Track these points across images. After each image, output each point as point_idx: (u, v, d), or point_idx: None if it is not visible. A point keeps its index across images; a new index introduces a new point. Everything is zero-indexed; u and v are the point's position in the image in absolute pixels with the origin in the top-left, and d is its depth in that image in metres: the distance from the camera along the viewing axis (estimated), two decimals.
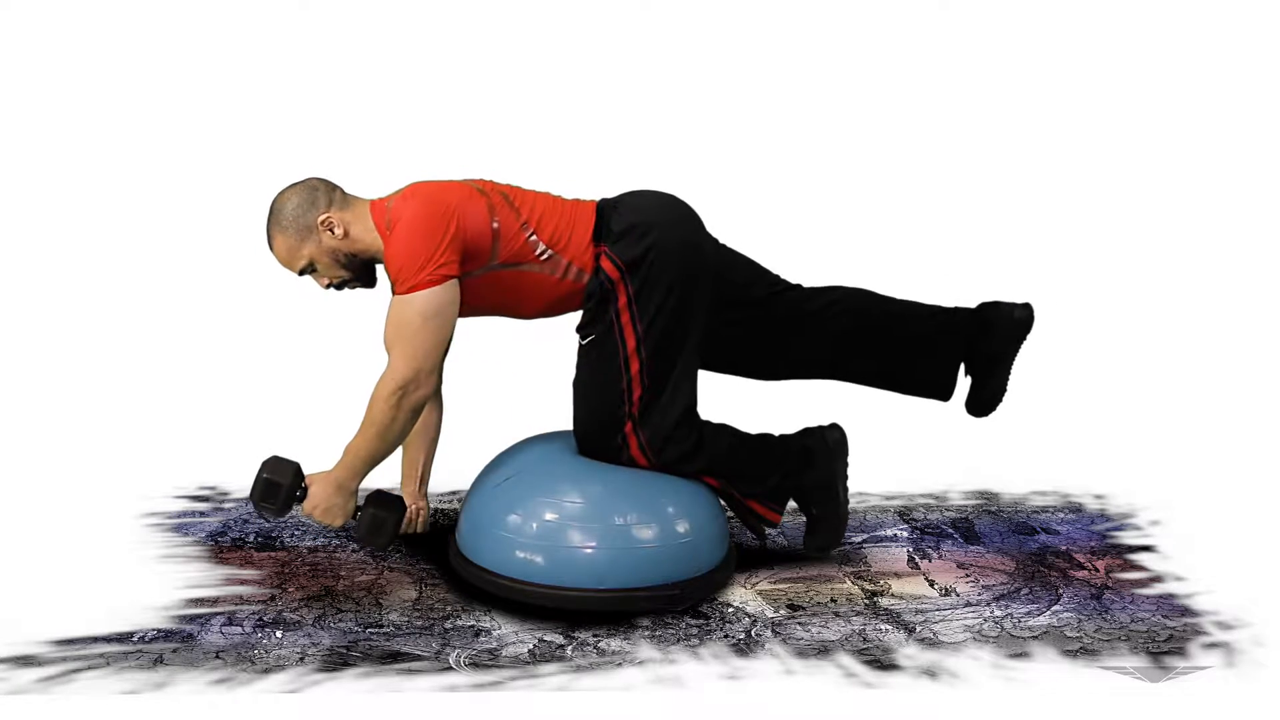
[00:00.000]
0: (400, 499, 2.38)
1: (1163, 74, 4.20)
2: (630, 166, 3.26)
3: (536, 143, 3.99)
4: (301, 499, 2.31)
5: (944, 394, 2.62)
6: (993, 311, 2.56)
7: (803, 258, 2.83)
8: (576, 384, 2.42)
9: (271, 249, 2.38)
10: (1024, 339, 2.56)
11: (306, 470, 2.33)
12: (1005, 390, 2.61)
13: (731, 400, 2.73)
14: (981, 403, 2.61)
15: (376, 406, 2.25)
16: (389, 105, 4.11)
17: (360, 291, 2.48)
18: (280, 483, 2.29)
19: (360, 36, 4.16)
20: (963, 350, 2.58)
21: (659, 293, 2.33)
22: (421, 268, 2.22)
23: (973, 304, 2.61)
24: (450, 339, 2.32)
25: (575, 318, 2.45)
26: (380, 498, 2.36)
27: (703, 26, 4.24)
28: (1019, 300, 2.56)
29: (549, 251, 2.35)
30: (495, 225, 2.32)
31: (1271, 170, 4.17)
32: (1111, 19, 4.22)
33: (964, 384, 2.63)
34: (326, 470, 2.32)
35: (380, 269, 2.42)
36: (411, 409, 2.26)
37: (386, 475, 2.49)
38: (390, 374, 2.24)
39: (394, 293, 2.27)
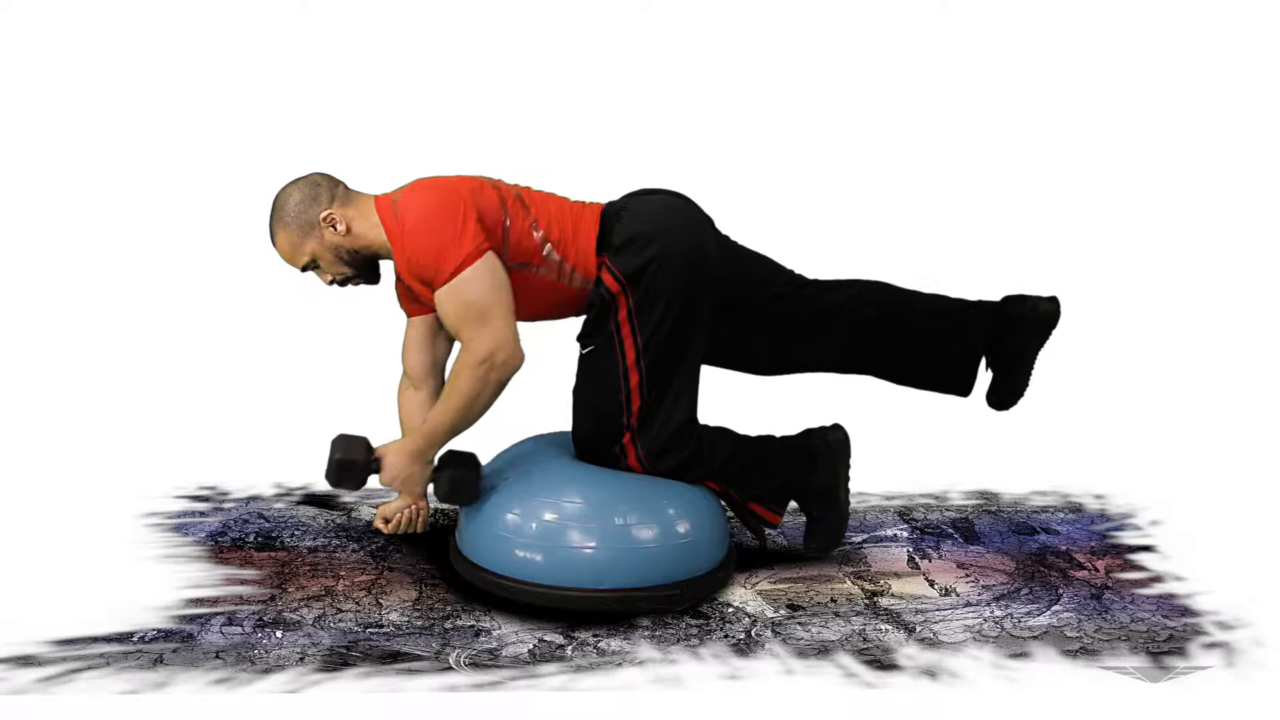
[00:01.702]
0: (475, 456, 2.36)
1: (1165, 74, 4.20)
2: (638, 165, 3.27)
3: (540, 142, 3.99)
4: (376, 470, 2.31)
5: (964, 389, 2.59)
6: (1018, 305, 2.53)
7: (817, 254, 2.82)
8: (576, 393, 2.41)
9: (274, 245, 2.37)
10: (1050, 333, 2.53)
11: (307, 477, 2.33)
12: (1028, 384, 2.59)
13: (733, 400, 2.74)
14: (1003, 396, 2.59)
15: (463, 380, 2.22)
16: (391, 103, 4.11)
17: (363, 288, 2.47)
18: (355, 460, 2.28)
19: (362, 35, 4.16)
20: (984, 345, 2.55)
21: (660, 306, 2.31)
22: (455, 249, 2.20)
23: (990, 298, 2.58)
24: (514, 305, 2.27)
25: (575, 319, 2.45)
26: (456, 457, 2.35)
27: (704, 26, 4.24)
28: (1045, 294, 2.53)
29: (554, 255, 2.34)
30: (507, 223, 2.31)
31: (1270, 170, 4.17)
32: (1113, 15, 4.22)
33: (982, 379, 2.61)
34: (399, 440, 2.32)
35: (384, 265, 2.42)
36: (499, 381, 2.24)
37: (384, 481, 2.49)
38: (468, 353, 2.21)
39: (436, 286, 2.23)
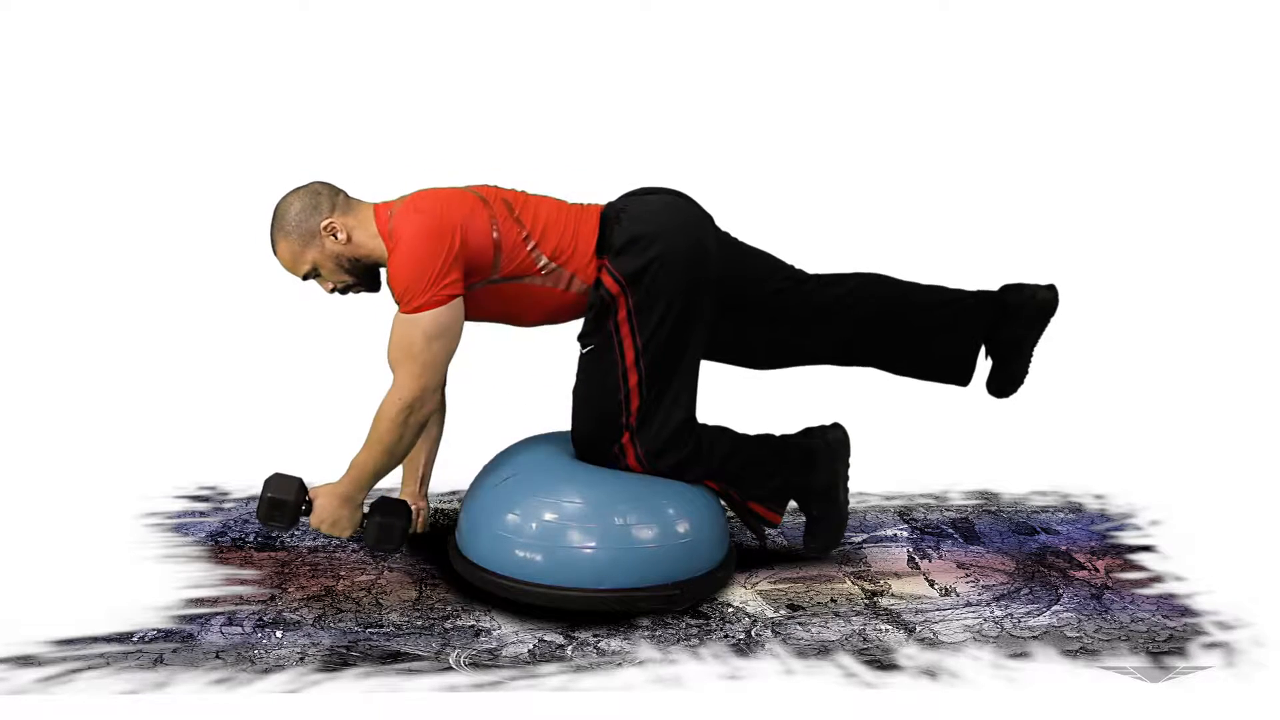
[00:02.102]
0: (405, 503, 2.39)
1: (1165, 73, 4.21)
2: (637, 163, 3.27)
3: (540, 142, 3.99)
4: (307, 513, 2.32)
5: (963, 379, 2.59)
6: (1016, 294, 2.53)
7: (817, 249, 2.82)
8: (576, 392, 2.41)
9: (275, 254, 2.38)
10: (1048, 321, 2.54)
11: (311, 482, 2.33)
12: (1027, 372, 2.59)
13: (732, 399, 2.74)
14: (1003, 384, 2.60)
15: (383, 425, 2.26)
16: (392, 107, 4.11)
17: (363, 295, 2.48)
18: (285, 500, 2.29)
19: (362, 38, 4.16)
20: (983, 334, 2.56)
21: (659, 306, 2.31)
22: (426, 288, 2.22)
23: (990, 288, 2.58)
24: (453, 355, 2.32)
25: (576, 320, 2.45)
26: (385, 505, 2.37)
27: (704, 25, 4.24)
28: (1042, 282, 2.54)
29: (551, 264, 2.34)
30: (496, 237, 2.31)
31: (1270, 170, 4.17)
32: (1112, 15, 4.22)
33: (983, 366, 2.61)
34: (331, 483, 2.32)
35: (384, 273, 2.42)
36: (417, 425, 2.28)
37: (387, 478, 2.49)
38: (396, 392, 2.25)
39: (399, 310, 2.27)
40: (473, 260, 2.29)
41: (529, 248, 2.33)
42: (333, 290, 2.41)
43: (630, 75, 4.16)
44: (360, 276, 2.39)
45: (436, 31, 4.18)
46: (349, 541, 2.65)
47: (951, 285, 2.58)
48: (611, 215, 2.39)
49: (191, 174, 4.07)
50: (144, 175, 4.08)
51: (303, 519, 2.33)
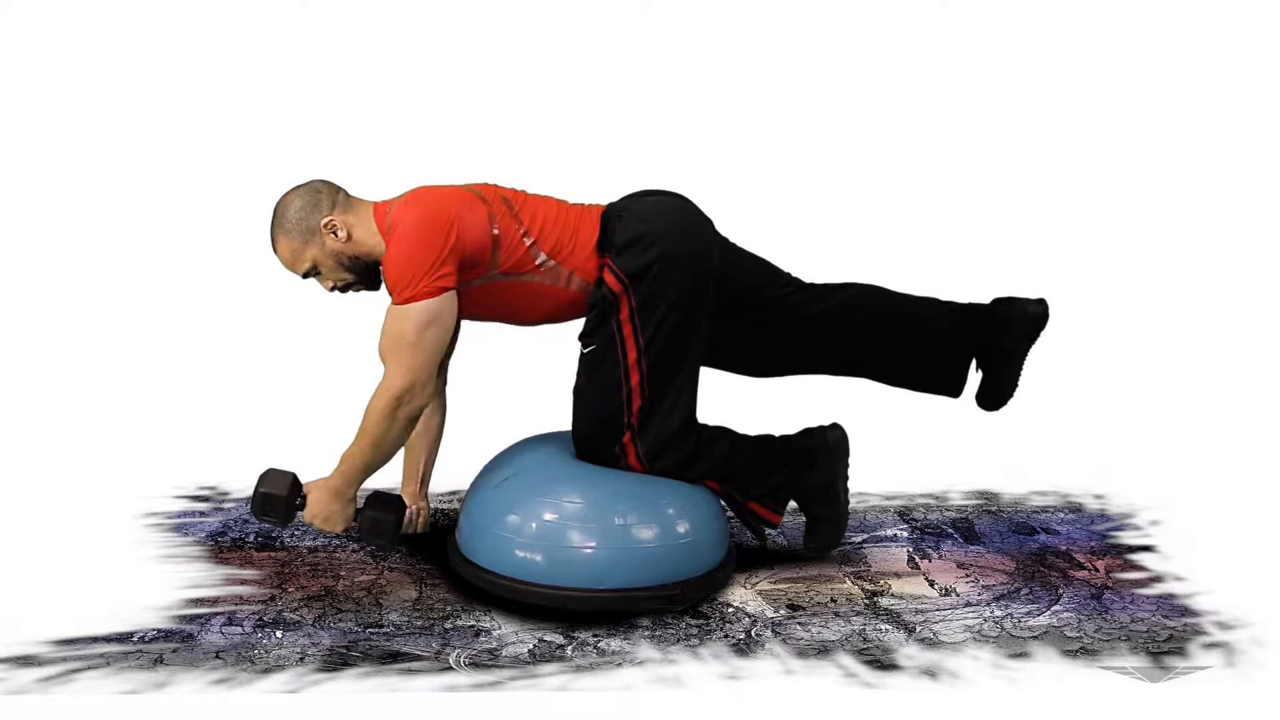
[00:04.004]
0: (399, 498, 2.38)
1: (1165, 73, 4.21)
2: (638, 166, 3.27)
3: (540, 143, 3.99)
4: (301, 508, 2.32)
5: (954, 390, 2.61)
6: (1007, 307, 2.55)
7: (812, 257, 2.82)
8: (577, 391, 2.41)
9: (275, 252, 2.38)
10: (1039, 334, 2.55)
11: (305, 477, 2.33)
12: (1017, 385, 2.60)
13: (732, 399, 2.74)
14: (993, 397, 2.61)
15: (372, 418, 2.25)
16: (392, 107, 4.11)
17: (362, 294, 2.48)
18: (278, 495, 2.29)
19: (362, 37, 4.16)
20: (974, 346, 2.57)
21: (662, 306, 2.32)
22: (419, 279, 2.22)
23: (982, 301, 2.59)
24: (445, 349, 2.32)
25: (576, 320, 2.45)
26: (378, 499, 2.36)
27: (704, 26, 4.24)
28: (1033, 296, 2.55)
29: (550, 261, 2.35)
30: (495, 233, 2.31)
31: (1270, 170, 4.17)
32: (1110, 16, 4.22)
33: (974, 378, 2.62)
34: (324, 478, 2.32)
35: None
36: (407, 419, 2.27)
37: (388, 477, 2.48)
38: (386, 385, 2.25)
39: (392, 302, 2.27)
40: (471, 255, 2.29)
41: (528, 244, 2.33)
42: (332, 289, 2.41)
43: (630, 75, 4.16)
44: (360, 275, 2.39)
45: (436, 31, 4.18)
46: (347, 540, 2.65)
47: (945, 297, 2.60)
48: (614, 214, 2.40)
49: (192, 174, 4.07)
50: (144, 175, 4.08)
51: (299, 514, 2.33)
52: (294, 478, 2.32)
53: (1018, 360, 2.57)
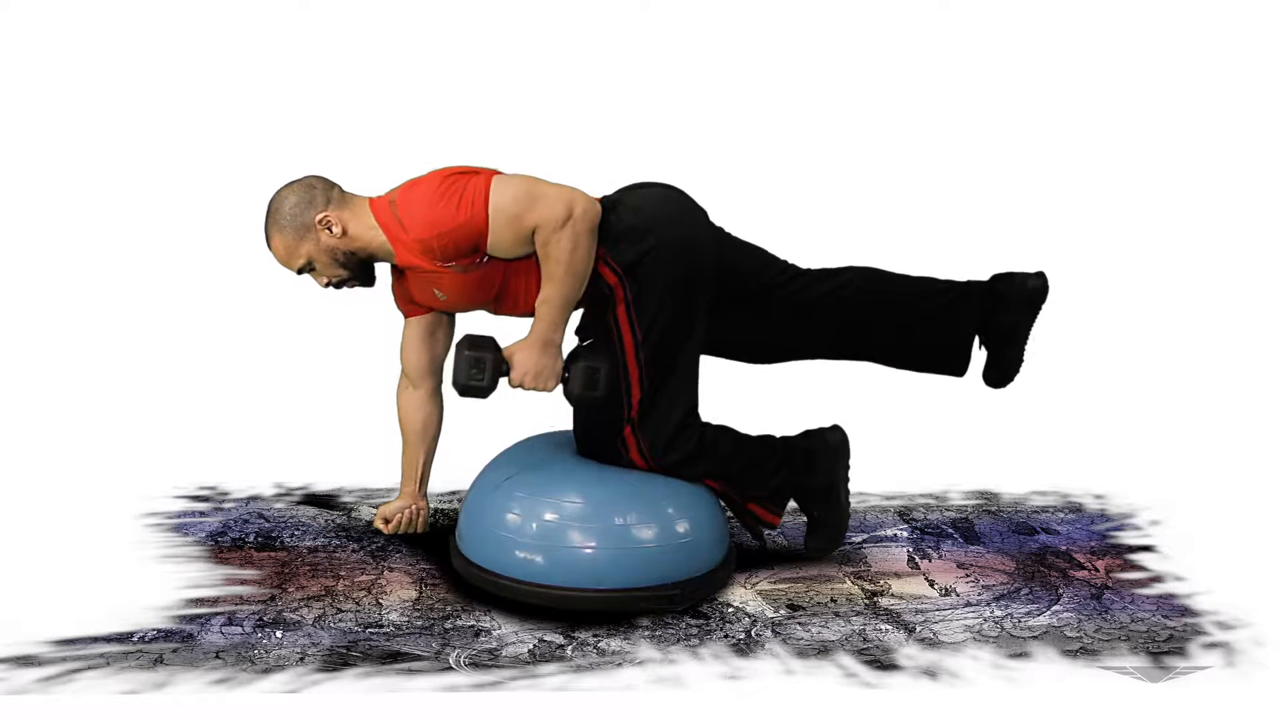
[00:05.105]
0: (594, 342, 2.31)
1: (1164, 72, 4.21)
2: (633, 161, 3.25)
3: (538, 141, 3.99)
4: (506, 373, 2.23)
5: (958, 369, 2.59)
6: (1006, 283, 2.54)
7: (810, 244, 2.82)
8: None
9: (270, 248, 2.37)
10: (1039, 308, 2.54)
11: (309, 479, 2.31)
12: (1022, 361, 2.58)
13: (732, 398, 2.73)
14: (998, 375, 2.60)
15: (553, 245, 2.20)
16: (388, 103, 4.10)
17: (359, 290, 2.47)
18: (484, 356, 2.19)
19: (359, 35, 4.16)
20: (976, 324, 2.56)
21: (657, 297, 2.31)
22: (471, 195, 2.20)
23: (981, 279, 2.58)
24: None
25: (574, 316, 2.45)
26: (583, 349, 2.27)
27: (703, 25, 4.24)
28: (1032, 270, 2.54)
29: None
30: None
31: (1270, 170, 4.16)
32: (1110, 15, 4.22)
33: (979, 358, 2.61)
34: (522, 338, 2.26)
35: (379, 267, 2.42)
36: (589, 229, 2.22)
37: (386, 477, 2.49)
38: (551, 222, 2.19)
39: (463, 247, 2.22)
40: (468, 236, 2.26)
41: None
42: (327, 285, 2.40)
43: (630, 75, 4.16)
44: (355, 270, 2.38)
45: (436, 30, 4.18)
46: (348, 540, 2.65)
47: (943, 277, 2.59)
48: (608, 206, 2.38)
49: (190, 173, 4.06)
50: (142, 174, 4.08)
51: (501, 379, 2.23)
52: (495, 341, 2.22)
53: (1021, 335, 2.56)
